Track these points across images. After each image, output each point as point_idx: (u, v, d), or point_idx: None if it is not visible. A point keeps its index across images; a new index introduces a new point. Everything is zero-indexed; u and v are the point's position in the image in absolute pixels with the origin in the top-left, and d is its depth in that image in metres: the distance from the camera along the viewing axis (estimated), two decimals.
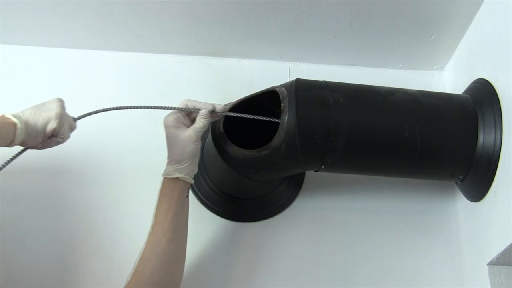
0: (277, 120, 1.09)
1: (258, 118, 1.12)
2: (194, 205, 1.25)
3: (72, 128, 1.04)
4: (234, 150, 1.10)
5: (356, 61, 1.44)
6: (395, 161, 1.15)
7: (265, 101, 1.15)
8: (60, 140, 1.01)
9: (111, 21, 1.31)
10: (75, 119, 1.05)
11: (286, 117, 1.07)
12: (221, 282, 1.20)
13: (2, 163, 0.96)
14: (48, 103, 1.00)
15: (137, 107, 1.11)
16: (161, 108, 1.10)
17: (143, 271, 0.99)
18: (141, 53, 1.40)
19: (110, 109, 1.08)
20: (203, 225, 1.24)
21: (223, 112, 1.11)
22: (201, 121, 1.09)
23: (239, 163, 1.11)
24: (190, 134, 1.07)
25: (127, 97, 1.35)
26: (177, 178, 1.06)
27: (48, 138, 1.00)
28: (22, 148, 0.99)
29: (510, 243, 1.04)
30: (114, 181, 1.26)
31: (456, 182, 1.24)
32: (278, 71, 1.42)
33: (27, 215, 1.20)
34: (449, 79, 1.43)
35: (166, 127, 1.08)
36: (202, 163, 1.26)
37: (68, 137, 1.02)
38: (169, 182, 1.06)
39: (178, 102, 1.33)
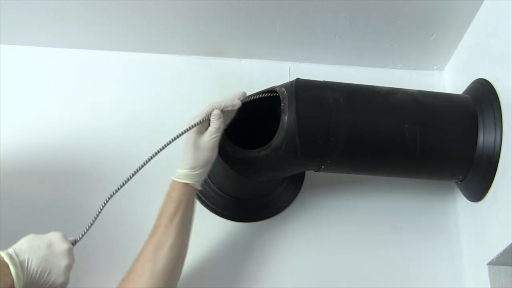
0: (276, 95, 1.10)
1: (259, 96, 1.12)
2: None
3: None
4: (234, 150, 1.10)
5: (356, 61, 1.44)
6: (395, 161, 1.15)
7: (265, 101, 1.15)
8: None
9: (111, 21, 1.31)
10: (74, 244, 0.96)
11: (286, 117, 1.07)
12: (222, 282, 1.20)
13: None
14: (57, 255, 0.90)
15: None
16: (179, 136, 1.03)
17: (142, 273, 0.98)
18: (141, 53, 1.40)
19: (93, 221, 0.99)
20: (203, 225, 1.24)
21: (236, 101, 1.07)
22: (214, 124, 1.05)
23: (239, 163, 1.11)
24: (206, 141, 1.04)
25: (126, 97, 1.35)
26: (187, 183, 1.04)
27: None
28: None
29: (510, 243, 1.04)
30: (114, 181, 1.25)
31: (456, 182, 1.24)
32: (278, 71, 1.42)
33: (27, 215, 1.20)
34: (449, 79, 1.43)
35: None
36: None
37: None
38: (178, 186, 1.03)
39: (177, 102, 1.34)
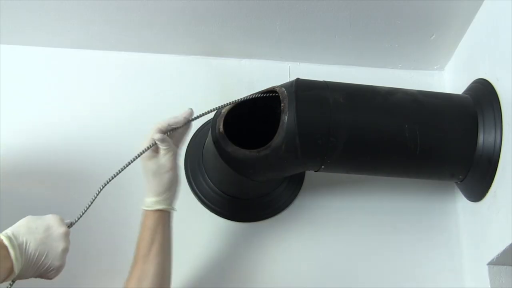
0: (274, 94, 1.10)
1: (252, 97, 1.12)
2: (194, 205, 1.25)
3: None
4: (234, 150, 1.10)
5: (356, 61, 1.44)
6: (395, 161, 1.15)
7: (266, 101, 1.15)
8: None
9: (111, 21, 1.31)
10: (70, 226, 0.96)
11: (286, 117, 1.07)
12: (221, 282, 1.20)
13: None
14: (55, 239, 0.90)
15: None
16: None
17: None
18: (141, 53, 1.40)
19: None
20: (203, 225, 1.24)
21: (188, 116, 1.04)
22: (161, 146, 1.01)
23: (239, 163, 1.11)
24: (163, 164, 1.02)
25: (126, 97, 1.35)
26: (159, 209, 1.02)
27: None
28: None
29: (510, 243, 1.04)
30: (114, 181, 1.25)
31: (456, 182, 1.24)
32: (278, 71, 1.42)
33: (27, 215, 1.19)
34: (449, 79, 1.43)
35: (141, 159, 1.02)
36: (202, 163, 1.26)
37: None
38: (150, 214, 1.02)
39: (177, 102, 1.34)
